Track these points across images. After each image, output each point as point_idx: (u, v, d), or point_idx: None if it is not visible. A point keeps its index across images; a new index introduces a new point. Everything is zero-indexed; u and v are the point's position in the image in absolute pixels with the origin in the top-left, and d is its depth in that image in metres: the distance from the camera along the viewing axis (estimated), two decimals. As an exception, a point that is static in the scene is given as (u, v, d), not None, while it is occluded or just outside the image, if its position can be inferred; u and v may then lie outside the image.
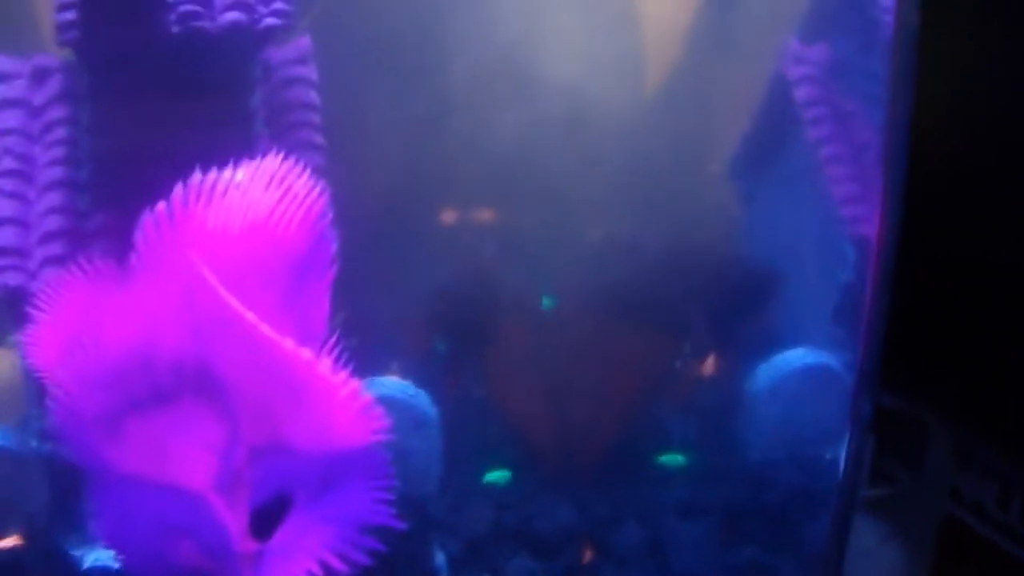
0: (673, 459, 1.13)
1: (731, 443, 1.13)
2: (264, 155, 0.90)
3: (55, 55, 1.05)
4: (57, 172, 1.04)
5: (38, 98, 1.06)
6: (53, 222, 1.03)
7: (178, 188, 0.82)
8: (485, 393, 1.12)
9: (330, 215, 0.85)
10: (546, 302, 1.10)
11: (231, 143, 1.01)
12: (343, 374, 0.82)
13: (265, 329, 0.81)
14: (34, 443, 1.02)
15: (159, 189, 0.83)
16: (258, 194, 0.83)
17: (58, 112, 1.05)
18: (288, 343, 0.80)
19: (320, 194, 0.84)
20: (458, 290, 1.10)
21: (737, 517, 1.12)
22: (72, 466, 0.88)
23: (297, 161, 0.86)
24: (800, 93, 1.11)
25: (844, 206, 1.10)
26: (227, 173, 0.83)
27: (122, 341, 0.84)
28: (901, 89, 1.00)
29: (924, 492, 1.22)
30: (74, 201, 1.03)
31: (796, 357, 1.11)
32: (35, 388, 0.99)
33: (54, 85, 1.06)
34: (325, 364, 0.81)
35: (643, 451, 1.13)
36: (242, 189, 0.83)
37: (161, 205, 0.81)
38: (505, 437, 1.11)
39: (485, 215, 1.10)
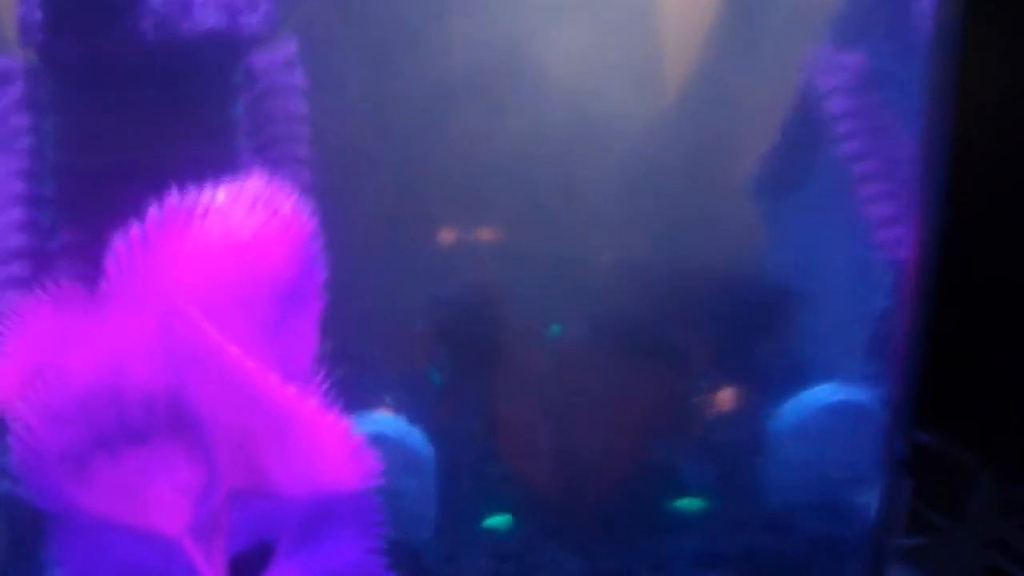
0: (689, 504, 1.13)
1: (753, 487, 1.13)
2: (246, 171, 0.91)
3: (17, 58, 1.06)
4: (18, 186, 1.05)
5: (-2, 104, 1.08)
6: (14, 240, 1.04)
7: (153, 209, 0.82)
8: (484, 430, 1.13)
9: (319, 241, 0.85)
10: (553, 329, 1.11)
11: (210, 157, 1.03)
12: (332, 412, 0.83)
13: (247, 363, 0.82)
14: (-10, 483, 1.02)
15: (131, 206, 0.83)
16: (241, 217, 0.83)
17: (20, 120, 1.06)
18: (273, 378, 0.81)
19: (309, 218, 0.85)
20: (455, 317, 1.11)
21: (758, 567, 1.13)
22: (32, 508, 0.89)
23: (282, 177, 0.87)
24: (832, 105, 1.12)
25: (879, 228, 1.10)
26: (207, 193, 0.83)
27: (89, 373, 0.84)
28: (940, 98, 1.01)
29: (966, 541, 1.22)
30: (37, 218, 1.04)
31: (825, 393, 1.12)
32: (-7, 422, 1.00)
33: (15, 91, 1.07)
34: (313, 401, 0.82)
35: (656, 495, 1.13)
36: (223, 211, 0.83)
37: (134, 227, 0.82)
38: (506, 479, 1.12)
39: (485, 235, 1.10)
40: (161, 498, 0.85)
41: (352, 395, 0.85)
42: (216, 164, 1.01)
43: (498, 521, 1.11)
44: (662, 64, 1.12)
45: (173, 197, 0.82)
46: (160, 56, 1.01)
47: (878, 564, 1.09)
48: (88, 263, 0.90)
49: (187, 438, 0.85)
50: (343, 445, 0.83)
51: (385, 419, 1.06)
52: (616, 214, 1.10)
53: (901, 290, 1.08)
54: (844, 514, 1.12)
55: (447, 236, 1.10)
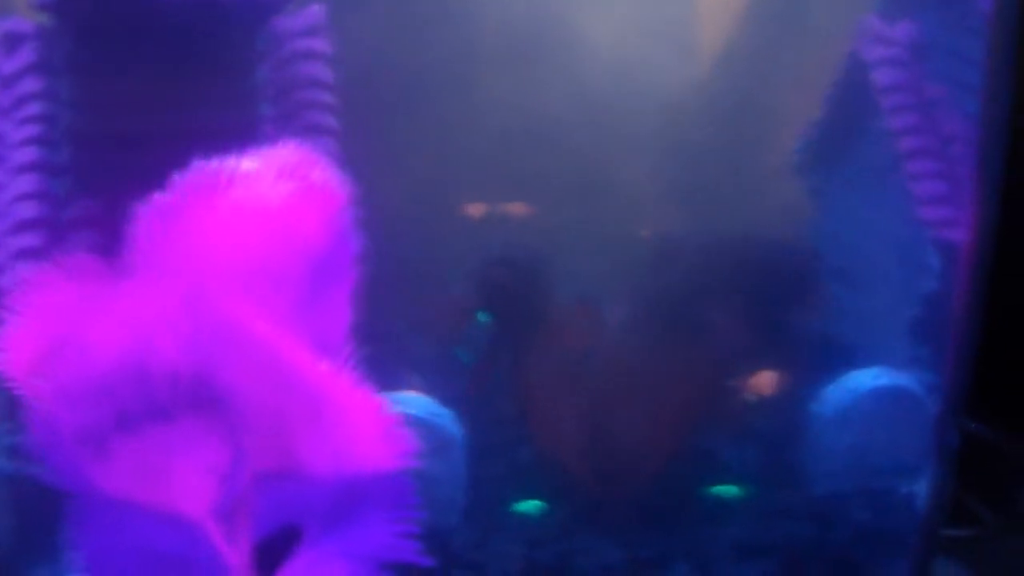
0: (728, 491, 1.13)
1: (794, 474, 1.13)
2: (269, 139, 0.91)
3: (29, 19, 1.06)
4: (31, 153, 1.05)
5: (8, 67, 1.07)
6: (26, 209, 1.04)
7: (178, 177, 0.82)
8: (516, 412, 1.12)
9: (352, 211, 0.85)
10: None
11: (232, 124, 1.02)
12: (366, 390, 0.83)
13: (278, 340, 0.81)
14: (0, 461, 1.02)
15: (148, 175, 0.83)
16: (270, 185, 0.83)
17: (32, 84, 1.06)
18: (304, 356, 0.81)
19: (342, 187, 0.85)
20: (486, 294, 1.11)
21: (800, 558, 1.13)
22: (47, 489, 0.88)
23: (307, 146, 0.87)
24: (879, 77, 1.12)
25: (927, 207, 1.10)
26: (234, 161, 0.83)
27: (111, 349, 0.83)
28: (999, 73, 1.00)
29: (1013, 534, 1.22)
30: (51, 186, 1.04)
31: (869, 377, 1.12)
32: (4, 400, 1.00)
33: (28, 53, 1.06)
34: (346, 379, 0.82)
35: (695, 481, 1.13)
36: (252, 179, 0.83)
37: (159, 196, 0.82)
38: (538, 462, 1.12)
39: (519, 208, 1.10)
40: (185, 479, 0.85)
41: (380, 375, 0.85)
42: (238, 131, 1.01)
43: (529, 506, 1.11)
44: (703, 32, 1.12)
45: (199, 165, 0.82)
46: (180, 17, 1.00)
47: (925, 557, 1.09)
48: (104, 234, 0.90)
49: (213, 417, 0.84)
50: (377, 425, 0.83)
51: (415, 400, 1.05)
52: (654, 187, 1.09)
53: (951, 272, 1.07)
54: (889, 504, 1.12)
55: (479, 209, 1.10)
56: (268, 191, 0.83)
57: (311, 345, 0.83)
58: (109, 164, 1.02)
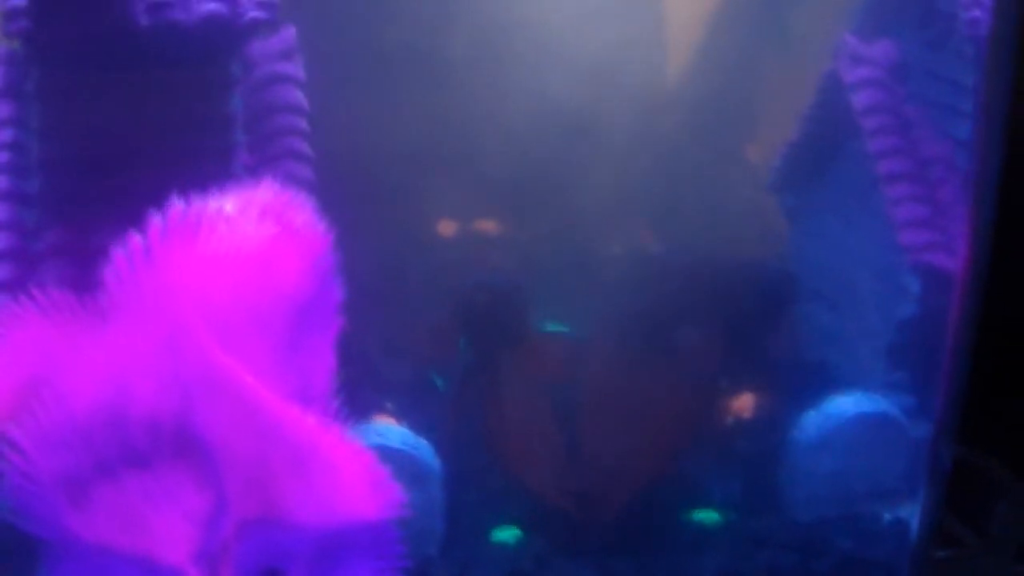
0: (708, 517, 1.12)
1: (775, 500, 1.12)
2: (245, 167, 0.89)
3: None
4: (0, 181, 1.02)
5: (-23, 93, 1.05)
6: (-4, 240, 1.01)
7: (155, 217, 0.79)
8: (492, 438, 1.11)
9: (335, 255, 0.83)
10: (552, 327, 1.10)
11: (205, 152, 1.00)
12: (354, 442, 0.81)
13: (259, 385, 0.79)
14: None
15: (121, 203, 0.81)
16: (250, 228, 0.81)
17: (2, 110, 1.03)
18: (289, 408, 0.79)
19: (324, 231, 0.82)
20: (461, 317, 1.09)
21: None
22: (25, 535, 0.86)
23: (281, 172, 0.85)
24: (858, 98, 1.10)
25: (906, 230, 1.09)
26: (214, 202, 0.81)
27: (88, 393, 0.81)
28: (990, 95, 0.98)
29: (991, 555, 1.22)
30: (21, 216, 1.01)
31: (850, 403, 1.11)
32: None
33: (-3, 78, 1.04)
34: (332, 430, 0.80)
35: (674, 507, 1.12)
36: (233, 222, 0.81)
37: (136, 238, 0.79)
38: (516, 490, 1.11)
39: (492, 228, 1.09)
40: (165, 525, 0.83)
41: (354, 402, 0.84)
42: (212, 159, 0.99)
43: (507, 534, 1.09)
44: (678, 47, 1.11)
45: (177, 205, 0.79)
46: (154, 46, 0.98)
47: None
48: (77, 265, 0.87)
49: (194, 465, 0.82)
50: (364, 477, 0.82)
51: (391, 431, 1.03)
52: (629, 207, 1.08)
53: (932, 297, 1.06)
54: (872, 531, 1.11)
55: (450, 230, 1.08)
56: (250, 234, 0.81)
57: (294, 392, 0.81)
58: (81, 193, 1.00)
